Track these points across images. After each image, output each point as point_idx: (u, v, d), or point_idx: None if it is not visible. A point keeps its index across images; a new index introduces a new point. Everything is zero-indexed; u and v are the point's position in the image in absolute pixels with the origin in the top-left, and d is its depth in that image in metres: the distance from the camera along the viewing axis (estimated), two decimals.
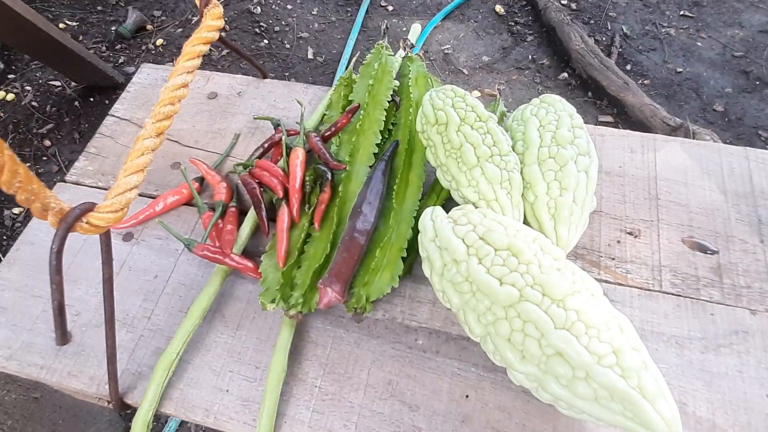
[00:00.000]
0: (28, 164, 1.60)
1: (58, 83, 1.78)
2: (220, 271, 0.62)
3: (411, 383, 0.56)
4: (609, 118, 1.66)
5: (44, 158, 1.61)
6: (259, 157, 0.71)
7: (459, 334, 0.59)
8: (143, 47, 1.90)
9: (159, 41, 1.91)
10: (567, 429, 0.53)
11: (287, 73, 1.80)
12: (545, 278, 0.48)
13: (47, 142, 1.64)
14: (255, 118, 0.77)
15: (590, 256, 0.64)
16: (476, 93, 1.73)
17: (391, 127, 0.71)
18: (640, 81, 1.76)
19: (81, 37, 1.92)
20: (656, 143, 0.73)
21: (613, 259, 0.64)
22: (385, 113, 0.69)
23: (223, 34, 0.61)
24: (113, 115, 0.81)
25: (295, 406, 0.55)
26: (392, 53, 0.75)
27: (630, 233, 0.66)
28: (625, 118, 1.64)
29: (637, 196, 0.69)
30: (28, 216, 1.48)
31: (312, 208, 0.63)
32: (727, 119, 1.65)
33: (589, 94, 1.73)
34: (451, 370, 0.57)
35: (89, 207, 0.43)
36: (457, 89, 0.61)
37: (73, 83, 1.75)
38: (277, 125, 0.73)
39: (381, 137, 0.68)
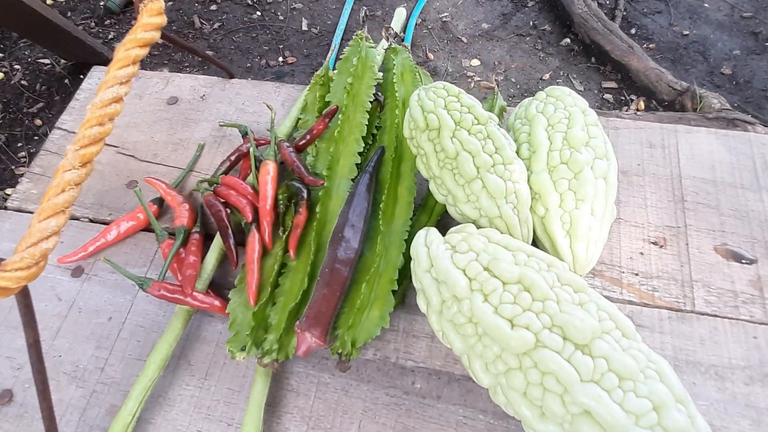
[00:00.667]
0: (20, 144, 1.56)
1: (47, 61, 1.74)
2: (182, 311, 0.53)
3: None
4: (613, 84, 1.61)
5: (36, 138, 1.58)
6: (226, 172, 0.62)
7: (463, 375, 0.51)
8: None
9: None
10: None
11: (281, 45, 1.73)
12: (566, 318, 0.40)
13: (38, 122, 1.62)
14: (221, 125, 0.67)
15: (610, 273, 0.56)
16: (476, 62, 1.65)
17: (374, 131, 0.62)
18: (645, 45, 1.70)
19: (69, 13, 1.87)
20: (678, 135, 0.64)
21: (637, 274, 0.55)
22: (368, 116, 0.60)
23: (164, 31, 0.51)
24: (60, 128, 0.71)
25: None
26: (373, 45, 0.66)
27: (654, 243, 0.57)
28: (630, 83, 1.58)
29: (659, 198, 0.60)
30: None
31: (287, 233, 0.54)
32: (735, 82, 1.59)
33: (593, 59, 1.67)
34: (456, 419, 0.49)
35: None
36: (449, 87, 0.52)
37: (63, 60, 1.72)
38: (245, 134, 0.64)
39: (364, 144, 0.59)
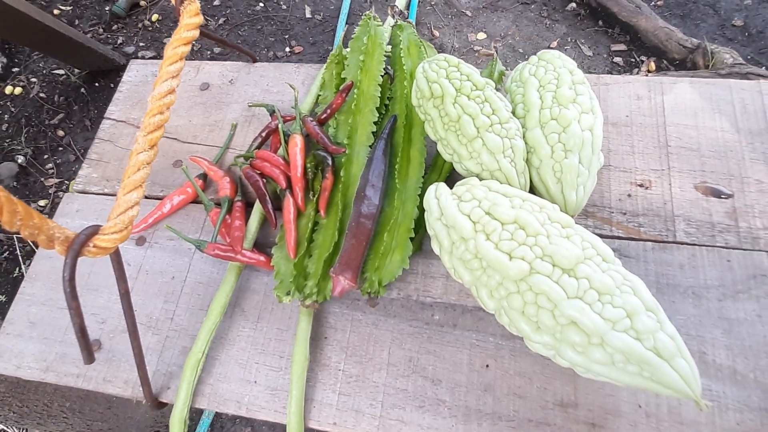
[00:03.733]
0: (46, 156, 1.62)
1: (62, 72, 1.79)
2: (234, 267, 0.63)
3: (431, 358, 0.58)
4: (622, 47, 1.59)
5: (60, 148, 1.64)
6: (258, 147, 0.71)
7: (474, 306, 0.60)
8: (139, 24, 1.88)
9: (154, 16, 1.88)
10: (587, 389, 0.54)
11: (287, 36, 1.76)
12: (554, 248, 0.48)
13: (60, 132, 1.67)
14: (250, 106, 0.75)
15: (601, 213, 0.63)
16: (482, 35, 1.66)
17: (387, 102, 0.69)
18: (653, 3, 1.67)
19: (76, 22, 1.90)
20: (663, 86, 0.70)
21: (625, 213, 0.63)
22: (380, 89, 0.68)
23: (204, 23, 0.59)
24: (109, 118, 0.81)
25: (322, 391, 0.57)
26: (381, 23, 0.73)
27: (641, 185, 0.64)
28: (639, 44, 1.56)
29: (646, 145, 0.67)
30: (54, 207, 1.51)
31: (316, 196, 0.63)
32: (748, 34, 1.57)
33: (600, 22, 1.65)
34: (470, 342, 0.58)
35: (94, 230, 0.43)
36: (450, 58, 0.59)
37: (77, 70, 1.76)
38: (272, 112, 0.72)
39: (378, 114, 0.67)
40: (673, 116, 0.68)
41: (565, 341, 0.47)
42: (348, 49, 0.73)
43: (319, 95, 0.73)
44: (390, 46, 0.74)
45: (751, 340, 0.54)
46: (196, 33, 0.55)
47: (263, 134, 0.71)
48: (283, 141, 0.68)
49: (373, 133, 0.66)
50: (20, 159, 1.61)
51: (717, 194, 0.63)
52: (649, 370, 0.44)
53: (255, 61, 0.82)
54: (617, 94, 0.71)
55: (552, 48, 1.60)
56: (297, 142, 0.65)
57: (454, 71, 0.59)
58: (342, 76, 0.71)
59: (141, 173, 0.47)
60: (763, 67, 1.43)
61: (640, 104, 0.70)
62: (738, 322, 0.55)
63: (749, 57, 1.52)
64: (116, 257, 0.47)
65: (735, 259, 0.58)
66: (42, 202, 1.55)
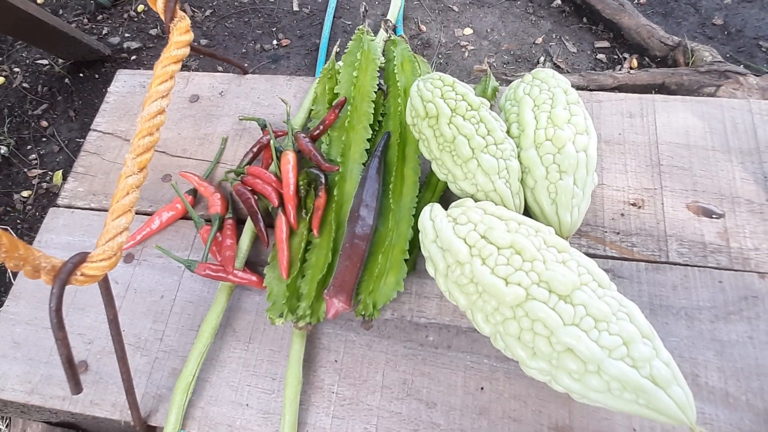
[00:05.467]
0: (29, 147, 1.60)
1: (45, 62, 1.76)
2: (225, 287, 0.62)
3: (426, 380, 0.57)
4: (605, 44, 1.63)
5: (44, 139, 1.62)
6: (249, 163, 0.70)
7: (469, 327, 0.59)
8: (125, 15, 1.85)
9: (140, 7, 1.85)
10: (582, 413, 0.54)
11: (274, 29, 1.75)
12: (550, 274, 0.48)
13: (44, 123, 1.65)
14: (241, 119, 0.74)
15: (594, 233, 0.64)
16: (468, 30, 1.67)
17: (380, 118, 0.69)
18: (635, 1, 1.71)
19: (60, 11, 1.87)
20: (656, 104, 0.71)
21: (618, 233, 0.63)
22: (373, 105, 0.67)
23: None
24: (95, 130, 0.79)
25: (315, 414, 0.57)
26: (373, 38, 0.72)
27: (633, 204, 0.65)
28: (622, 41, 1.61)
29: (638, 164, 0.67)
30: (37, 198, 1.50)
31: (309, 214, 0.62)
32: (727, 32, 1.61)
33: (584, 19, 1.69)
34: (464, 364, 0.58)
35: (81, 258, 0.42)
36: (445, 77, 0.59)
37: (61, 60, 1.74)
38: (263, 127, 0.71)
39: (371, 131, 0.66)
40: (665, 135, 0.68)
41: (561, 368, 0.47)
42: (341, 63, 0.72)
43: (312, 109, 0.72)
44: (383, 59, 0.74)
45: (742, 362, 0.55)
46: (187, 50, 0.54)
47: (254, 149, 0.70)
48: (275, 157, 0.67)
49: (366, 150, 0.65)
50: (3, 149, 1.58)
51: (708, 214, 0.63)
52: (646, 398, 0.44)
53: (245, 72, 0.81)
54: (610, 112, 0.71)
55: (537, 44, 1.63)
56: (289, 159, 0.64)
57: (449, 90, 0.58)
58: (335, 92, 0.70)
59: (130, 197, 0.46)
60: (741, 65, 1.47)
61: (633, 122, 0.70)
62: (730, 343, 0.56)
63: (728, 55, 1.56)
64: (105, 284, 0.46)
65: (726, 280, 0.59)
66: (25, 193, 1.53)
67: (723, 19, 1.63)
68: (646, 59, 1.57)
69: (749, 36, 1.59)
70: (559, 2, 1.72)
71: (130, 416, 0.57)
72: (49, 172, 1.56)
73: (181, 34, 0.53)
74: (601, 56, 1.62)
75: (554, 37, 1.67)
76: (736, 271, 0.59)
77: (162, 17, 0.54)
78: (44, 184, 1.52)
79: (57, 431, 1.19)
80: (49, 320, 0.41)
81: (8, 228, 1.47)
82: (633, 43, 1.57)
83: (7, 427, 1.11)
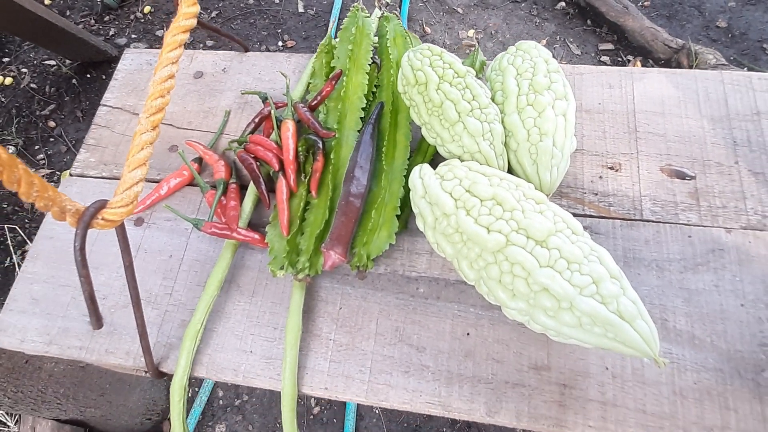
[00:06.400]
0: (37, 147, 1.63)
1: (53, 62, 1.79)
2: (229, 245, 0.66)
3: (416, 328, 0.62)
4: (609, 46, 1.64)
5: (51, 139, 1.65)
6: (252, 132, 0.74)
7: (456, 279, 0.64)
8: (131, 16, 1.89)
9: (146, 8, 1.88)
10: (559, 353, 0.58)
11: (279, 30, 1.78)
12: (528, 222, 0.52)
13: (52, 123, 1.68)
14: (243, 93, 0.79)
15: (574, 194, 0.68)
16: (473, 32, 1.70)
17: (374, 89, 0.73)
18: (640, 3, 1.72)
19: (68, 12, 1.90)
20: (633, 76, 0.75)
21: (596, 194, 0.68)
22: (368, 77, 0.71)
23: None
24: (105, 105, 0.83)
25: (314, 359, 0.61)
26: (368, 14, 0.76)
27: (611, 168, 0.69)
28: (626, 44, 1.61)
29: (617, 131, 0.71)
30: None
31: (308, 177, 0.67)
32: (731, 35, 1.62)
33: (588, 21, 1.69)
34: (452, 312, 0.62)
35: (102, 204, 0.47)
36: (433, 47, 0.63)
37: (68, 61, 1.76)
38: (264, 99, 0.76)
39: (366, 101, 0.71)
40: (642, 104, 0.73)
41: (538, 306, 0.51)
42: (337, 40, 0.77)
43: (310, 83, 0.77)
44: (377, 37, 0.78)
45: (708, 308, 0.59)
46: (194, 21, 0.58)
47: (256, 120, 0.74)
48: (275, 126, 0.71)
49: (361, 118, 0.70)
50: (11, 149, 1.61)
51: (681, 176, 0.68)
52: (613, 331, 0.49)
53: (247, 50, 0.85)
54: (590, 84, 0.75)
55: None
56: (289, 127, 0.69)
57: (437, 59, 0.63)
58: (331, 65, 0.74)
59: (144, 152, 0.50)
60: (745, 68, 1.49)
61: (612, 93, 0.74)
62: (697, 292, 0.60)
63: (732, 58, 1.58)
64: (121, 230, 0.51)
65: (696, 234, 0.63)
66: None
67: (727, 22, 1.64)
68: (650, 61, 1.57)
69: (753, 39, 1.60)
70: (564, 4, 1.73)
71: (144, 362, 0.62)
72: (57, 172, 1.60)
73: (189, 6, 0.58)
74: (605, 58, 1.63)
75: (558, 39, 1.68)
76: (705, 227, 0.64)
77: None
78: (52, 184, 1.57)
79: (66, 428, 1.24)
80: (74, 259, 0.45)
81: (16, 227, 1.52)
82: (637, 45, 1.57)
83: (16, 424, 1.16)
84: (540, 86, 0.62)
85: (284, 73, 0.74)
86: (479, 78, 0.75)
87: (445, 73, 0.61)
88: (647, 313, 0.50)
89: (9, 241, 1.52)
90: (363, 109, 0.70)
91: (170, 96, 0.54)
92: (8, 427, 1.13)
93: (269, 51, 1.71)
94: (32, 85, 1.75)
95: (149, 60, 0.87)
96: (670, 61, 1.52)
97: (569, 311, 0.50)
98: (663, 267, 0.62)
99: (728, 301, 0.59)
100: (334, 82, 0.71)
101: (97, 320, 0.48)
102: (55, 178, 1.59)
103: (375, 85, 0.73)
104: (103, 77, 1.74)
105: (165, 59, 0.55)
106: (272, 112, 0.71)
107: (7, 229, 1.53)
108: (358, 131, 0.69)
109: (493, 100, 0.65)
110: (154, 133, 0.52)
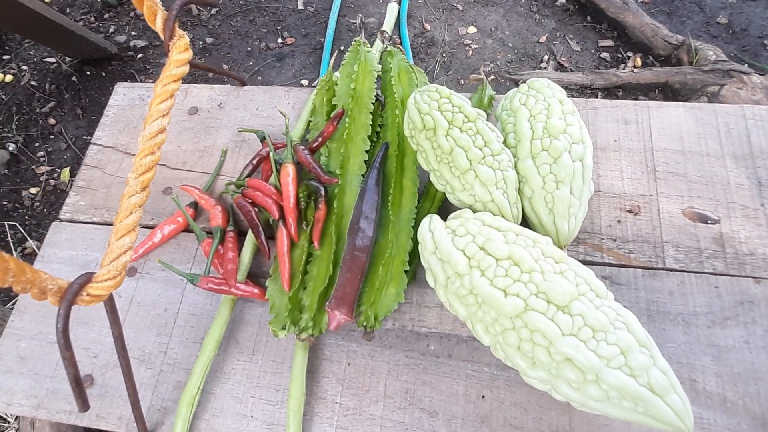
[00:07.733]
0: (37, 144, 1.62)
1: (53, 60, 1.78)
2: (227, 299, 0.62)
3: (428, 390, 0.58)
4: (609, 42, 1.63)
5: (51, 136, 1.63)
6: (249, 175, 0.70)
7: (469, 336, 0.60)
8: (131, 13, 1.87)
9: None
10: (582, 420, 0.55)
11: (279, 27, 1.76)
12: (548, 285, 0.48)
13: (52, 121, 1.67)
14: (240, 131, 0.75)
15: (592, 240, 0.64)
16: (472, 29, 1.67)
17: (378, 129, 0.69)
18: None
19: (68, 9, 1.89)
20: (650, 110, 0.72)
21: (615, 240, 0.64)
22: (371, 116, 0.68)
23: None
24: (96, 144, 0.80)
25: (319, 425, 0.57)
26: (370, 49, 0.72)
27: (630, 211, 0.65)
28: (626, 40, 1.61)
29: (634, 170, 0.68)
30: (45, 195, 1.52)
31: (310, 227, 0.63)
32: (732, 31, 1.61)
33: (588, 18, 1.69)
34: (465, 372, 0.58)
35: (87, 279, 0.43)
36: (441, 89, 0.60)
37: (68, 58, 1.76)
38: (263, 138, 0.72)
39: (370, 142, 0.67)
40: (660, 141, 0.69)
41: (560, 377, 0.48)
42: (338, 74, 0.73)
43: (310, 121, 0.73)
44: (380, 69, 0.74)
45: (739, 367, 0.55)
46: (186, 69, 0.54)
47: (254, 161, 0.71)
48: (275, 170, 0.67)
49: (365, 161, 0.66)
50: (11, 147, 1.61)
51: (704, 220, 0.64)
52: (644, 406, 0.45)
53: (243, 84, 0.81)
54: (605, 119, 0.72)
55: (541, 42, 1.63)
56: (289, 171, 0.65)
57: (446, 103, 0.59)
58: (333, 103, 0.71)
59: (133, 217, 0.47)
60: (745, 64, 1.47)
61: (628, 128, 0.71)
62: (727, 349, 0.56)
63: (732, 54, 1.56)
64: (110, 303, 0.47)
65: (722, 285, 0.60)
66: (33, 190, 1.55)
67: (727, 18, 1.63)
68: (650, 58, 1.57)
69: (754, 35, 1.59)
70: (563, 1, 1.72)
71: (137, 430, 0.58)
72: (57, 169, 1.59)
73: (180, 53, 0.54)
74: (605, 55, 1.62)
75: (558, 35, 1.67)
76: (732, 277, 0.60)
77: (161, 36, 0.54)
78: (52, 181, 1.55)
79: (64, 427, 1.20)
80: (56, 340, 0.42)
81: (16, 224, 1.49)
82: (637, 41, 1.57)
83: (16, 420, 1.12)
84: (555, 130, 0.58)
85: (283, 111, 0.71)
86: (488, 115, 0.71)
87: (454, 117, 0.58)
88: (679, 385, 0.46)
89: (9, 238, 1.49)
90: (367, 151, 0.66)
91: (161, 151, 0.50)
92: (8, 423, 1.10)
93: (269, 48, 1.69)
94: (32, 83, 1.74)
95: (142, 95, 0.83)
96: (670, 57, 1.51)
97: (595, 384, 0.46)
98: (689, 321, 0.58)
99: (760, 359, 0.56)
100: (335, 123, 0.68)
101: (83, 403, 0.44)
102: (55, 175, 1.57)
103: (379, 125, 0.70)
104: (103, 75, 1.73)
105: (155, 111, 0.51)
106: (271, 154, 0.68)
107: (7, 226, 1.50)
108: (362, 175, 0.65)
109: (504, 142, 0.62)
110: (144, 194, 0.48)
